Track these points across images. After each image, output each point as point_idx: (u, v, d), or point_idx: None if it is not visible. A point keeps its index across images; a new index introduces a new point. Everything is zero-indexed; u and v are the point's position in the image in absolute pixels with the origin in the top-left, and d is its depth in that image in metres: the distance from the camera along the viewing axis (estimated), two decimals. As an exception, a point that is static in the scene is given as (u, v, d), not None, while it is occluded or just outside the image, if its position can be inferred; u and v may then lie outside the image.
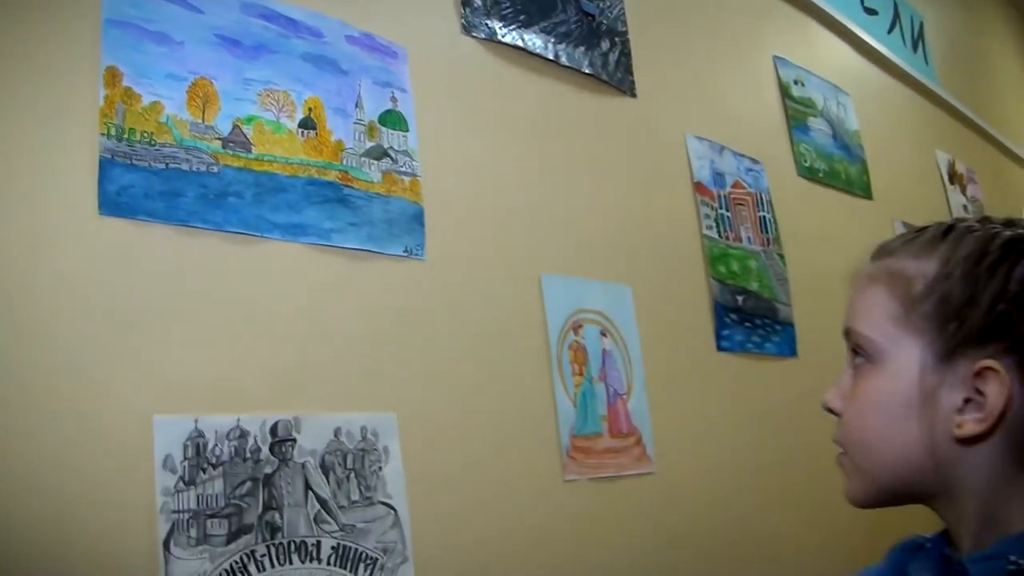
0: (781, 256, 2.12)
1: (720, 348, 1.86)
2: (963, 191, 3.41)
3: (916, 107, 3.23)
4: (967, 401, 0.68)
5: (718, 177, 2.01)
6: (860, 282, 0.80)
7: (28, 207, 0.95)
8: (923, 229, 0.76)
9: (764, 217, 2.11)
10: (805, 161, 2.36)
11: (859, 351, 0.76)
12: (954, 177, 3.35)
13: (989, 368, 0.67)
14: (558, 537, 1.39)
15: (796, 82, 2.45)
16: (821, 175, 2.41)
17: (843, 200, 2.50)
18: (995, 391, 0.67)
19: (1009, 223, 0.73)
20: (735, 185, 2.05)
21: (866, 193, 2.62)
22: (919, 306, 0.72)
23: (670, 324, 1.74)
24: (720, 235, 1.95)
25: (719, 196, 1.99)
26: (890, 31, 3.18)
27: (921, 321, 0.71)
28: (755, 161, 2.15)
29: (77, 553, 0.90)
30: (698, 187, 1.93)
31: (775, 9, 2.50)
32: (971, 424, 0.68)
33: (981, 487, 0.70)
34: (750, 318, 1.97)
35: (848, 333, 0.77)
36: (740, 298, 1.95)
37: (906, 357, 0.72)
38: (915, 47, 3.37)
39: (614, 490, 1.51)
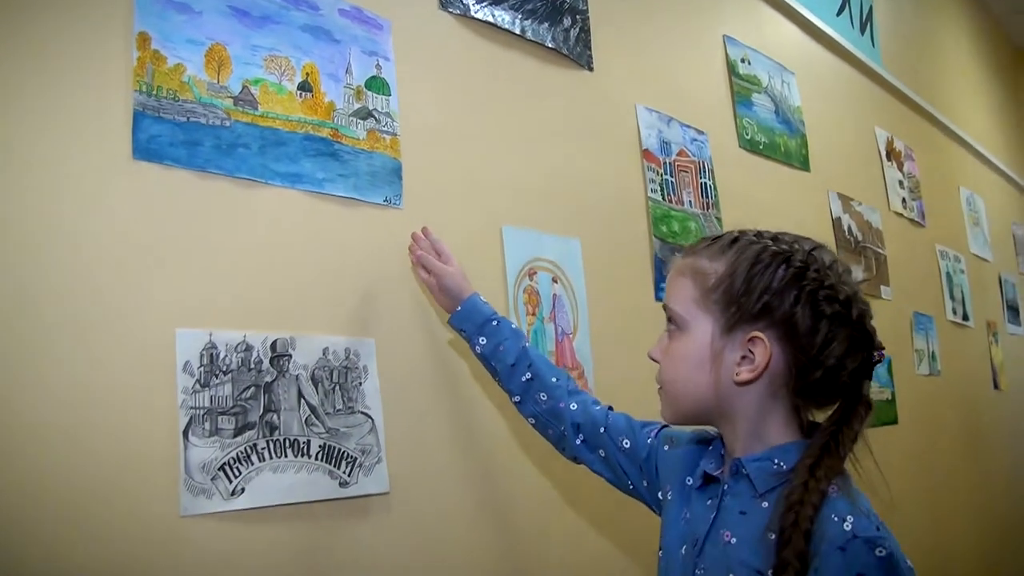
0: (719, 219, 2.34)
1: (659, 299, 2.08)
2: (900, 167, 3.65)
3: (858, 86, 3.45)
4: (743, 358, 1.02)
5: (665, 146, 2.22)
6: (674, 272, 1.12)
7: (73, 151, 1.13)
8: (719, 237, 1.09)
9: (705, 183, 2.33)
10: (747, 134, 2.58)
11: (671, 321, 1.09)
12: (891, 154, 3.59)
13: (757, 337, 1.01)
14: (507, 454, 1.61)
15: (743, 60, 2.66)
16: (761, 147, 2.63)
17: (781, 171, 2.73)
18: (761, 352, 1.01)
19: (775, 238, 1.06)
20: (680, 153, 2.26)
21: (804, 165, 2.84)
22: (711, 294, 1.04)
23: (614, 275, 1.96)
24: (664, 198, 2.17)
25: (665, 163, 2.20)
26: (839, 13, 3.38)
27: (713, 304, 1.04)
28: (700, 132, 2.36)
29: (115, 437, 1.10)
30: (646, 154, 2.14)
31: (727, -10, 2.70)
32: (745, 373, 1.02)
33: (750, 414, 1.04)
34: (688, 274, 2.19)
35: (665, 307, 1.10)
36: (679, 255, 2.17)
37: (702, 328, 1.05)
38: (863, 29, 3.58)
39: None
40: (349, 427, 1.35)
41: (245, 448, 1.21)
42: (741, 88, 2.61)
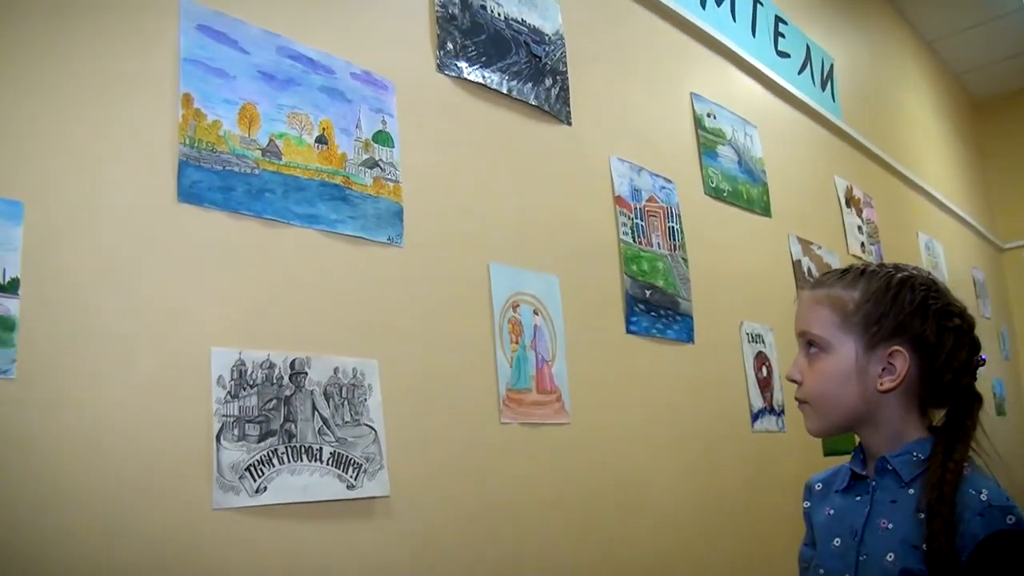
0: (685, 260, 2.56)
1: (629, 331, 2.28)
2: (859, 214, 3.89)
3: (818, 138, 3.71)
4: (883, 370, 1.19)
5: (636, 193, 2.44)
6: (808, 302, 1.27)
7: (127, 194, 1.33)
8: (848, 269, 1.27)
9: (672, 227, 2.55)
10: (712, 182, 2.81)
11: (813, 344, 1.25)
12: (850, 201, 3.83)
13: (897, 350, 1.18)
14: (494, 466, 1.80)
15: (709, 115, 2.90)
16: (725, 194, 2.86)
17: (744, 216, 2.96)
18: (901, 363, 1.18)
19: (896, 268, 1.24)
20: (649, 200, 2.49)
21: (765, 211, 3.08)
22: (852, 318, 1.21)
23: (589, 309, 2.17)
24: (634, 240, 2.39)
25: (635, 208, 2.42)
26: (800, 72, 3.64)
27: (853, 327, 1.21)
28: (668, 180, 2.58)
29: (159, 439, 1.29)
30: (618, 200, 2.36)
31: (695, 52, 2.94)
32: (888, 383, 1.19)
33: (893, 418, 1.21)
34: (656, 308, 2.41)
35: (804, 334, 1.26)
36: (648, 292, 2.38)
37: (846, 348, 1.21)
38: (823, 85, 3.84)
39: (538, 435, 1.92)
40: (356, 437, 1.54)
41: (268, 452, 1.40)
42: (707, 140, 2.85)
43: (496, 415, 1.82)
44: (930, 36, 5.56)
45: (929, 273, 1.26)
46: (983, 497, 1.10)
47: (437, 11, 1.91)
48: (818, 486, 1.35)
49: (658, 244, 2.48)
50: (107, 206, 1.30)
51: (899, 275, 1.23)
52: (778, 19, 3.48)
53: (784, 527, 2.66)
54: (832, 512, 1.28)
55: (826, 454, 2.98)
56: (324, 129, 1.62)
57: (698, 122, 2.83)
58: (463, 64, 1.95)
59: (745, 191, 2.99)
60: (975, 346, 1.21)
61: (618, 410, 2.19)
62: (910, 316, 1.19)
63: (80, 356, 1.23)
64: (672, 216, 2.56)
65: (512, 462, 1.83)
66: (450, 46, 1.93)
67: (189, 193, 1.40)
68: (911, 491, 1.16)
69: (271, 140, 1.53)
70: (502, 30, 2.07)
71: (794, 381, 1.29)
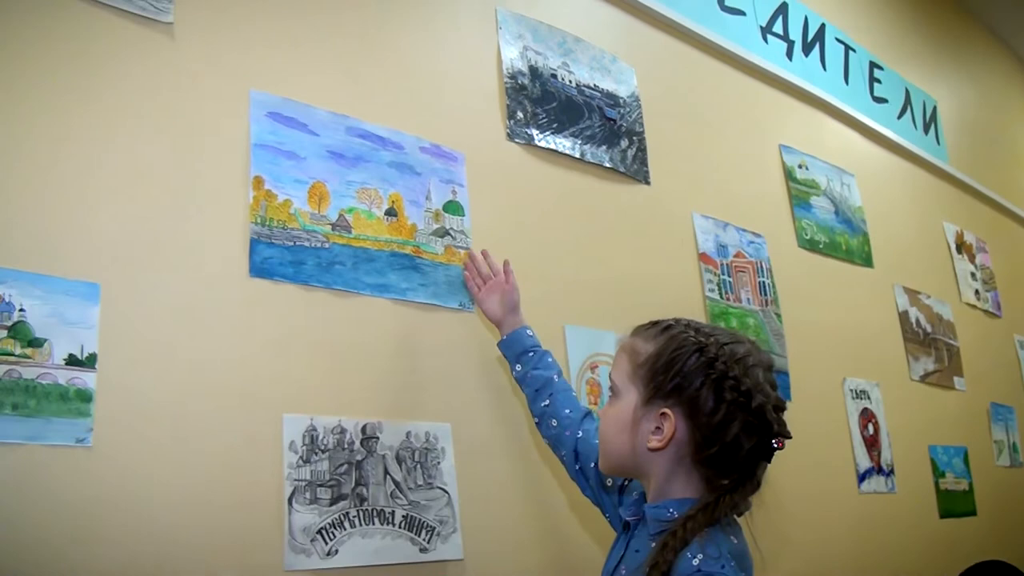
0: (778, 315, 2.52)
1: (719, 389, 2.25)
2: (971, 259, 3.74)
3: (923, 183, 3.59)
4: (657, 429, 1.18)
5: (721, 248, 2.42)
6: (619, 348, 1.31)
7: (202, 271, 1.42)
8: (658, 322, 1.27)
9: (763, 282, 2.52)
10: (806, 234, 2.76)
11: (612, 389, 1.27)
12: (962, 247, 3.69)
13: (666, 412, 1.17)
14: (568, 529, 1.80)
15: (800, 166, 2.86)
16: (821, 246, 2.81)
17: (843, 268, 2.89)
18: (668, 425, 1.17)
19: (697, 330, 1.22)
20: (737, 255, 2.47)
21: (866, 262, 3.00)
22: (639, 370, 1.22)
23: (674, 367, 2.15)
24: (721, 296, 2.37)
25: (721, 264, 2.40)
26: (900, 116, 3.55)
27: (639, 379, 1.21)
28: (756, 235, 2.56)
29: (234, 501, 1.35)
30: (702, 257, 2.35)
31: (782, 103, 2.92)
32: (655, 442, 1.18)
33: (660, 474, 1.20)
34: (748, 366, 2.36)
35: (610, 376, 1.29)
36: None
37: (628, 398, 1.22)
38: (926, 129, 3.73)
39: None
40: (428, 500, 1.57)
41: (339, 515, 1.45)
42: (799, 192, 2.81)
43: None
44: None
45: (751, 343, 1.22)
46: (695, 562, 1.08)
47: (506, 83, 1.98)
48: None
49: (747, 300, 2.45)
50: (180, 284, 1.39)
51: (695, 337, 1.20)
52: (873, 64, 3.42)
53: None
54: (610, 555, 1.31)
55: (941, 516, 2.84)
56: (393, 202, 1.69)
57: (788, 174, 2.80)
58: (534, 131, 2.00)
59: (843, 242, 2.93)
60: (763, 427, 1.15)
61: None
62: (688, 378, 1.16)
63: (155, 425, 1.31)
64: (763, 271, 2.53)
65: (588, 524, 1.82)
66: (520, 115, 1.98)
67: (261, 268, 1.47)
68: (653, 544, 1.14)
69: (341, 215, 1.60)
70: (574, 96, 2.12)
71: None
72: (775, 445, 1.16)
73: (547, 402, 1.55)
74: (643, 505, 1.24)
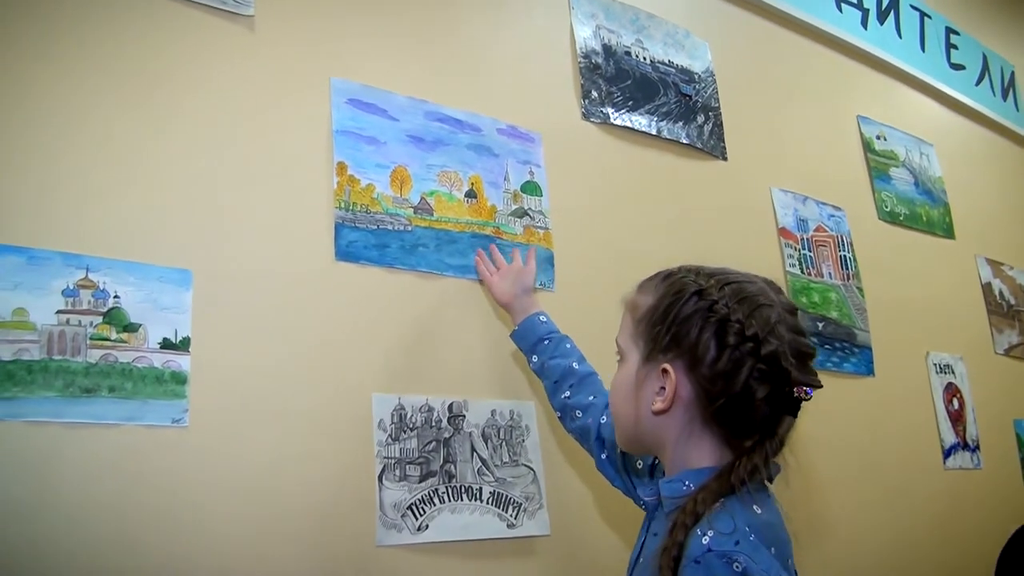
0: (860, 289, 2.48)
1: (800, 365, 2.23)
2: (1058, 228, 3.63)
3: (1004, 151, 3.49)
4: (661, 389, 1.03)
5: (801, 223, 2.39)
6: (624, 307, 1.15)
7: (292, 256, 1.45)
8: (660, 272, 1.12)
9: (845, 256, 2.48)
10: (886, 207, 2.71)
11: (618, 354, 1.13)
12: (1047, 216, 3.59)
13: (666, 369, 1.02)
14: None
15: (879, 137, 2.80)
16: (902, 218, 2.76)
17: (924, 239, 2.83)
18: (670, 382, 1.02)
19: (698, 272, 1.07)
20: (817, 229, 2.43)
21: (948, 233, 2.93)
22: (639, 326, 1.08)
23: (754, 344, 2.13)
24: (803, 271, 2.34)
25: (802, 239, 2.38)
26: (978, 83, 3.45)
27: (639, 335, 1.08)
28: (837, 208, 2.52)
29: (324, 480, 1.39)
30: (782, 232, 2.33)
31: (858, 73, 2.86)
32: (659, 404, 1.03)
33: (672, 441, 1.05)
34: (830, 341, 2.34)
35: (616, 341, 1.14)
36: (820, 324, 2.32)
37: (632, 360, 1.08)
38: (1005, 95, 3.62)
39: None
40: (515, 477, 1.59)
41: (428, 492, 1.47)
42: (878, 164, 2.76)
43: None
44: None
45: (764, 283, 1.07)
46: (704, 540, 0.92)
47: (580, 62, 1.98)
48: None
49: (829, 274, 2.42)
50: (269, 268, 1.43)
51: (695, 280, 1.05)
52: (949, 30, 3.33)
53: (982, 571, 2.50)
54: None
55: (1032, 490, 2.78)
56: (473, 184, 1.70)
57: (867, 146, 2.75)
58: (609, 110, 1.99)
59: (924, 213, 2.86)
60: (775, 376, 0.99)
61: (795, 448, 2.13)
62: (685, 327, 1.01)
63: (247, 405, 1.35)
64: (844, 244, 2.50)
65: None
66: (595, 94, 1.98)
67: (346, 252, 1.50)
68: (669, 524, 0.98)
69: (422, 198, 1.62)
70: (648, 74, 2.11)
71: None
72: (796, 394, 1.00)
73: (567, 393, 1.43)
74: (656, 480, 1.11)
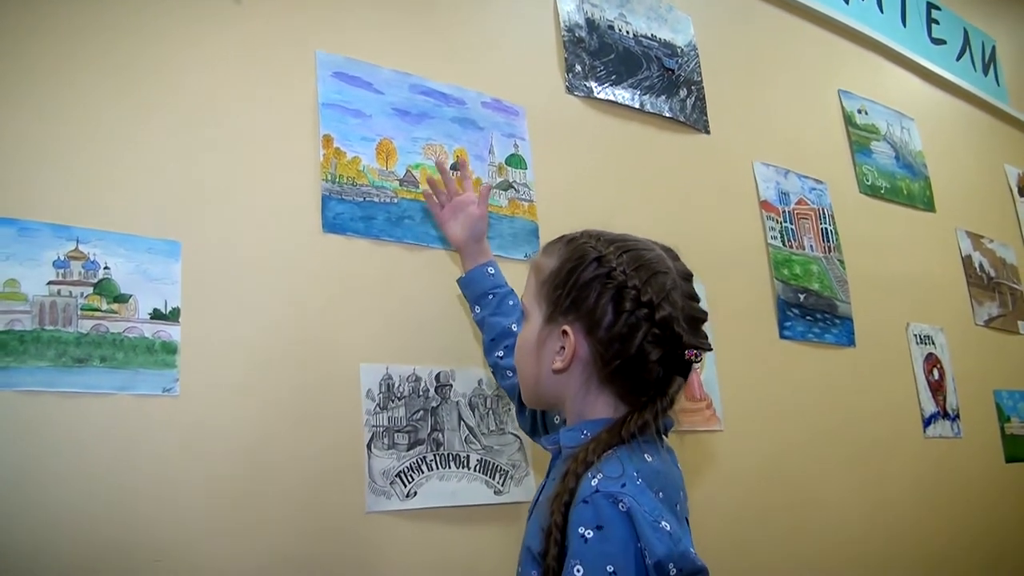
0: (841, 261, 2.51)
1: (783, 336, 2.26)
2: (1034, 202, 3.67)
3: (984, 126, 3.52)
4: (561, 348, 1.11)
5: (783, 196, 2.42)
6: (529, 267, 1.22)
7: (278, 228, 1.47)
8: (564, 236, 1.20)
9: (826, 229, 2.51)
10: (867, 180, 2.74)
11: (523, 313, 1.20)
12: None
13: (565, 330, 1.10)
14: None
15: (860, 111, 2.83)
16: (883, 191, 2.79)
17: (905, 213, 2.86)
18: (569, 343, 1.09)
19: (598, 238, 1.15)
20: (799, 202, 2.46)
21: (928, 207, 2.96)
22: (543, 288, 1.15)
23: (738, 315, 2.16)
24: (784, 244, 2.36)
25: (784, 212, 2.40)
26: (959, 58, 3.48)
27: (542, 297, 1.15)
28: (819, 181, 2.55)
29: (316, 447, 1.41)
30: (764, 205, 2.35)
31: (840, 47, 2.88)
32: (559, 362, 1.11)
33: (572, 397, 1.13)
34: (811, 312, 2.37)
35: (521, 299, 1.22)
36: (802, 296, 2.35)
37: (536, 319, 1.15)
38: (986, 70, 3.65)
39: (690, 441, 1.95)
40: (501, 445, 1.61)
41: (416, 460, 1.50)
42: (859, 137, 2.78)
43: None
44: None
45: (662, 250, 1.15)
46: (594, 483, 0.99)
47: (564, 36, 1.99)
48: None
49: (811, 247, 2.44)
50: (257, 240, 1.44)
51: (595, 246, 1.12)
52: (930, 5, 3.35)
53: (963, 538, 2.56)
54: None
55: (1007, 460, 2.82)
56: (458, 157, 1.72)
57: (848, 119, 2.78)
58: (592, 84, 2.01)
59: (905, 187, 2.90)
60: (668, 339, 1.06)
61: (776, 416, 2.17)
62: (584, 292, 1.08)
63: (237, 375, 1.37)
64: (825, 217, 2.52)
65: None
66: (578, 68, 1.99)
67: (333, 224, 1.52)
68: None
69: (408, 171, 1.64)
70: (631, 48, 2.13)
71: None
72: (687, 357, 1.07)
73: (501, 353, 1.47)
74: (560, 430, 1.18)
